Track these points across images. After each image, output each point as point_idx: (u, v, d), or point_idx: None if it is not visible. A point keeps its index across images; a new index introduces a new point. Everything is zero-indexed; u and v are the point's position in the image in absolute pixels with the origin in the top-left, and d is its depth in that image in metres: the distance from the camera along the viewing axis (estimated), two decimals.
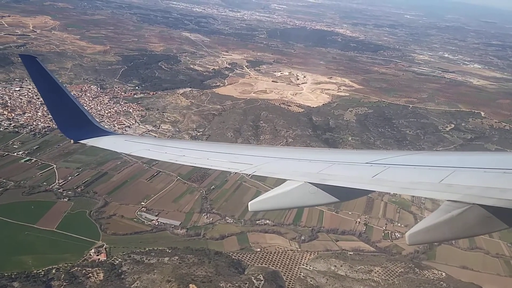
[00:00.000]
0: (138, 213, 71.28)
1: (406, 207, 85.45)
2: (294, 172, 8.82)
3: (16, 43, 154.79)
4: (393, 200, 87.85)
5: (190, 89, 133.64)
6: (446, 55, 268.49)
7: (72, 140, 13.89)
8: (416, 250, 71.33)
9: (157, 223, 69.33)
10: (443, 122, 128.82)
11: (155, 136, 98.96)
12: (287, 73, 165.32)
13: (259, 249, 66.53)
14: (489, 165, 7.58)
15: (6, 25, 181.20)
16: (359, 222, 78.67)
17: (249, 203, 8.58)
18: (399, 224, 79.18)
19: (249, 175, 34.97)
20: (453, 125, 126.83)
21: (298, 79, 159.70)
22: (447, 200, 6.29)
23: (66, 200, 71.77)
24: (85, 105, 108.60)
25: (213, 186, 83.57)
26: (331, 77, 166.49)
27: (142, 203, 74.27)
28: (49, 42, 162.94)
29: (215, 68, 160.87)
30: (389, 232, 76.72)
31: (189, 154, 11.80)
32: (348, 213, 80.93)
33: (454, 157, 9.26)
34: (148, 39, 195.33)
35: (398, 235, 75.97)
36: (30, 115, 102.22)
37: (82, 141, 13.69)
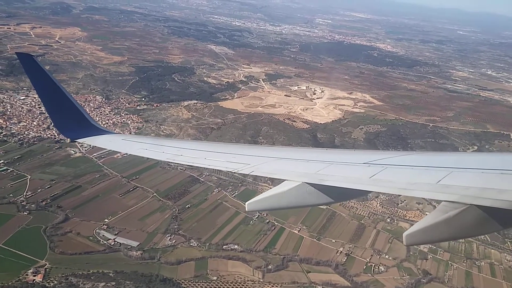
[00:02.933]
0: (97, 231, 67.10)
1: (401, 237, 75.79)
2: (292, 172, 8.79)
3: (36, 53, 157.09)
4: (387, 228, 79.78)
5: (195, 101, 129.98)
6: (489, 72, 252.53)
7: (68, 139, 14.04)
8: None
9: (113, 243, 64.84)
10: (465, 143, 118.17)
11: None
12: (304, 88, 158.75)
13: (215, 278, 60.61)
14: (487, 165, 7.56)
15: (33, 36, 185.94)
16: (341, 251, 71.10)
17: (246, 203, 8.25)
18: (387, 256, 71.02)
19: (233, 195, 71.24)
20: (476, 147, 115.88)
21: (314, 94, 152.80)
22: (444, 201, 6.23)
23: (26, 213, 68.63)
24: None
25: (188, 205, 78.59)
26: (351, 93, 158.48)
27: (106, 220, 70.14)
28: (69, 52, 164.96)
29: (229, 81, 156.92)
30: (373, 264, 68.69)
31: (187, 153, 11.67)
32: (331, 240, 73.70)
33: (452, 158, 9.16)
34: (170, 51, 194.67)
35: (383, 268, 68.11)
36: (24, 124, 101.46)
37: (79, 140, 13.87)
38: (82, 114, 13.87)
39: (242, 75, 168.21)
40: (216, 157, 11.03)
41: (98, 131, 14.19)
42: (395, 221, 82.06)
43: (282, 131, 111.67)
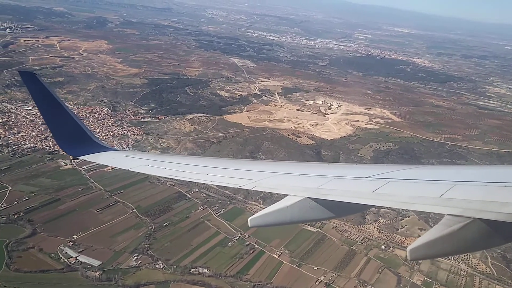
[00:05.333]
0: (61, 247, 64.20)
1: (394, 266, 70.15)
2: (294, 187, 8.80)
3: (55, 64, 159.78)
4: (380, 256, 73.04)
5: (201, 114, 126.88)
6: None
7: (71, 156, 14.04)
8: None
9: (74, 262, 61.65)
10: (485, 164, 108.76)
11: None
12: (320, 102, 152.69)
13: None
14: (489, 178, 7.52)
15: (58, 48, 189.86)
16: (321, 280, 65.08)
17: (249, 218, 8.13)
18: None
19: (218, 213, 73.73)
20: None
21: (329, 108, 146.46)
22: (448, 214, 6.24)
23: None
24: (87, 126, 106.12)
25: (166, 223, 74.78)
26: (369, 108, 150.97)
27: (74, 236, 67.24)
28: (88, 64, 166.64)
29: (242, 94, 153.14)
30: None
31: (189, 169, 11.68)
32: (313, 267, 67.78)
33: (454, 171, 9.21)
34: (190, 63, 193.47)
35: None
36: (23, 134, 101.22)
37: (81, 157, 13.79)
38: (84, 131, 13.95)
39: (257, 88, 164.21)
40: (218, 173, 10.96)
41: (100, 148, 14.30)
42: (391, 249, 75.19)
43: (284, 147, 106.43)
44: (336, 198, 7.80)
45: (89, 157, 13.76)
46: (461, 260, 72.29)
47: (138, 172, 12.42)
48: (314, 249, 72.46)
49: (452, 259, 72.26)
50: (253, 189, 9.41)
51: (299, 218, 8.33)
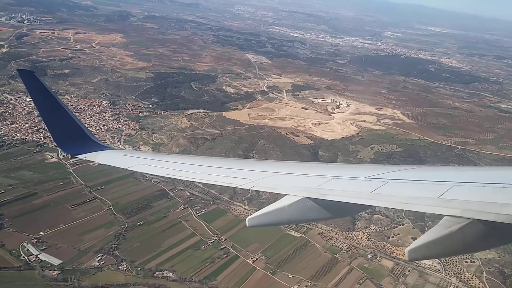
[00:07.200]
0: (24, 244, 62.00)
1: (377, 277, 65.50)
2: (293, 187, 8.72)
3: (65, 57, 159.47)
4: (365, 265, 68.42)
5: (201, 110, 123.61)
6: None
7: (69, 155, 14.26)
8: None
9: (33, 259, 59.31)
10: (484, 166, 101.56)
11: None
12: (329, 100, 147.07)
13: None
14: (488, 180, 7.50)
15: (71, 41, 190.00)
16: None
17: (247, 218, 8.04)
18: None
19: (198, 214, 72.29)
20: None
21: (337, 107, 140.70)
22: (447, 215, 6.17)
23: None
24: (82, 119, 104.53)
25: (140, 222, 71.86)
26: (380, 108, 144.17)
27: (41, 232, 65.02)
28: (98, 57, 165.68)
29: (248, 90, 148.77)
30: None
31: (187, 169, 11.67)
32: (288, 275, 63.55)
33: (453, 172, 9.07)
34: (202, 58, 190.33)
35: None
36: (16, 126, 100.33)
37: (79, 156, 13.79)
38: (82, 130, 13.93)
39: (266, 85, 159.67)
40: (217, 173, 10.89)
41: (98, 147, 14.23)
42: (378, 258, 70.41)
43: (280, 146, 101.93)
44: (334, 198, 7.75)
45: (87, 156, 13.68)
46: (453, 273, 66.92)
47: (136, 171, 11.30)
48: (294, 256, 68.26)
49: (444, 273, 67.00)
50: (251, 188, 9.38)
51: (297, 218, 8.36)
